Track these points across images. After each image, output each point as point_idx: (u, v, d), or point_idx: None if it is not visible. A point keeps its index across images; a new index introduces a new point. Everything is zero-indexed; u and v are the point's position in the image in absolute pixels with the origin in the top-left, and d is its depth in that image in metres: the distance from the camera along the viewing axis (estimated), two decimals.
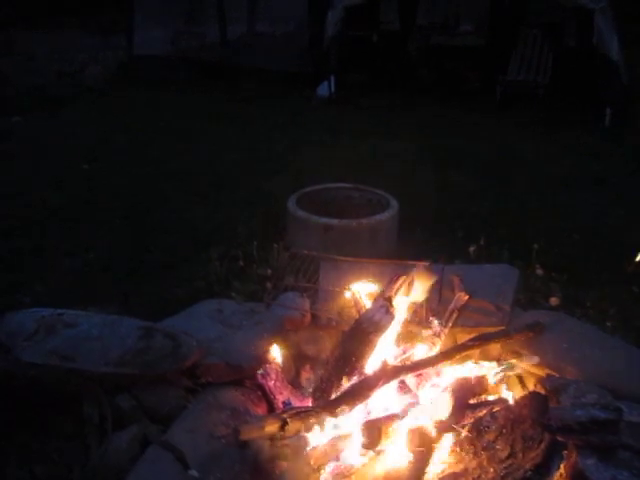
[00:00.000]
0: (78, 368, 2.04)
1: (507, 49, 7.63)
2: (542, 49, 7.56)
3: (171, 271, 3.51)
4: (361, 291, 2.48)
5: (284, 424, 1.82)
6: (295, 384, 2.29)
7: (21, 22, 10.32)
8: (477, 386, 2.11)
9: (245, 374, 2.20)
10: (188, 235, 3.97)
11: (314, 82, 7.25)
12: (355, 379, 2.10)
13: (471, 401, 2.06)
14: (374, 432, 1.88)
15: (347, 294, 2.51)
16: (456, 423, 1.96)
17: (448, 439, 1.94)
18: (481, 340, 2.23)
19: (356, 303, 2.43)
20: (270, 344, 2.29)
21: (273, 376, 2.18)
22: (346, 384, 2.07)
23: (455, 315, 2.39)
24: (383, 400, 2.06)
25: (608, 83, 6.40)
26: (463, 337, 2.34)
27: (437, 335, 2.34)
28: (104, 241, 3.91)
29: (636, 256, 3.48)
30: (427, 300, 2.36)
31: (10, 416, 2.02)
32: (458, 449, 1.91)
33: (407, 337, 2.36)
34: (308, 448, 1.92)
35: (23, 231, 4.03)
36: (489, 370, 2.20)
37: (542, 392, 2.02)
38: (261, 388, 2.18)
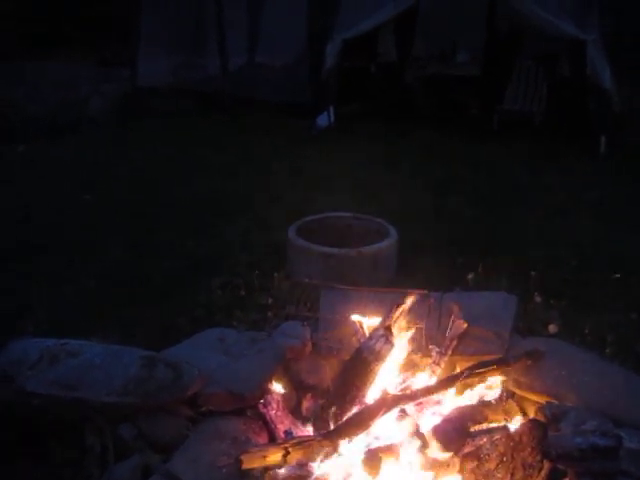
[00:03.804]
0: (81, 397, 2.06)
1: (503, 79, 7.79)
2: (537, 79, 7.72)
3: (172, 300, 3.52)
4: (362, 320, 2.50)
5: (286, 453, 1.83)
6: (296, 413, 2.30)
7: (25, 52, 10.52)
8: (477, 414, 2.12)
9: (246, 403, 2.21)
10: (189, 263, 4.00)
11: (314, 112, 7.37)
12: (356, 408, 2.11)
13: (471, 429, 2.07)
14: (375, 461, 1.89)
15: (348, 323, 2.53)
16: (457, 451, 1.96)
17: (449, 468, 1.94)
18: (480, 368, 2.24)
19: (357, 332, 2.45)
20: (271, 373, 2.30)
21: (274, 405, 2.19)
22: (347, 413, 2.08)
23: (454, 343, 2.41)
24: (384, 429, 2.06)
25: (600, 112, 6.52)
26: (462, 365, 2.35)
27: (436, 363, 2.36)
28: (105, 269, 3.94)
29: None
30: (426, 328, 2.39)
31: (11, 444, 2.03)
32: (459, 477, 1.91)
33: (407, 365, 2.38)
34: (309, 478, 1.92)
35: (24, 258, 4.06)
36: (488, 397, 2.21)
37: (542, 419, 2.03)
38: (262, 417, 2.19)
